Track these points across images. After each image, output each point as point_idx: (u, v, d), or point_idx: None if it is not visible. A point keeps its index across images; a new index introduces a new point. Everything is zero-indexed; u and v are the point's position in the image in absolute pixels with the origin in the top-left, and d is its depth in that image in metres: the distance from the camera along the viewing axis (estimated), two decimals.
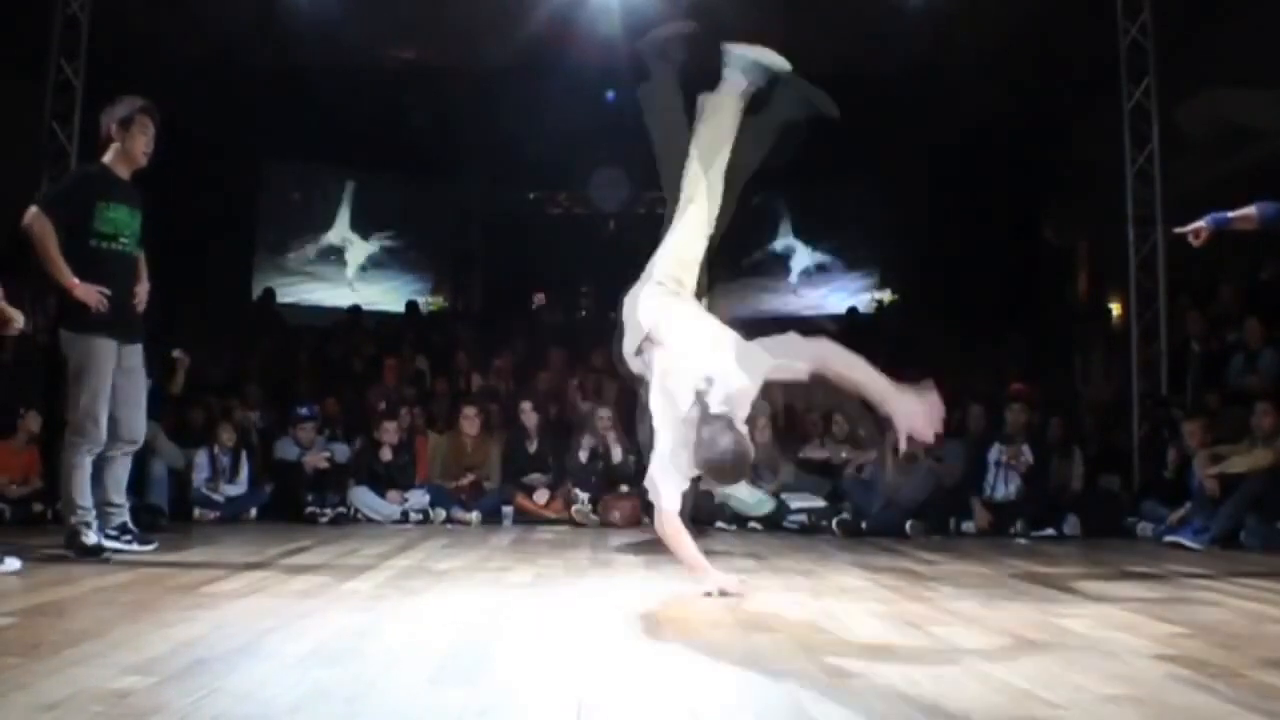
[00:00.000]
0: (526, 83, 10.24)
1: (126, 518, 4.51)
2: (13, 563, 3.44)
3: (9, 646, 2.27)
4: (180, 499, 6.63)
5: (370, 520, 6.88)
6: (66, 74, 7.57)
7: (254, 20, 9.14)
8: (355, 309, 11.26)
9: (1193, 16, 8.16)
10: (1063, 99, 10.19)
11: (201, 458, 6.86)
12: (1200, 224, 4.30)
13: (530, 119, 10.41)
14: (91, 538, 4.20)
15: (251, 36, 9.46)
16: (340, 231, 13.21)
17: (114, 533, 4.41)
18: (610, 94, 11.28)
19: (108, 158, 4.40)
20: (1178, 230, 4.46)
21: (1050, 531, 6.61)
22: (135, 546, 4.43)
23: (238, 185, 11.47)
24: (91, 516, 4.26)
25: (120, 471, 4.48)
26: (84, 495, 4.24)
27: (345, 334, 10.36)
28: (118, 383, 4.32)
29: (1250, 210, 4.20)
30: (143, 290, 4.47)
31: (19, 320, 3.83)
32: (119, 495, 4.48)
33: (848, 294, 13.20)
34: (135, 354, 4.43)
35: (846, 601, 3.32)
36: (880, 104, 10.74)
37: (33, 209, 4.22)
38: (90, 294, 4.17)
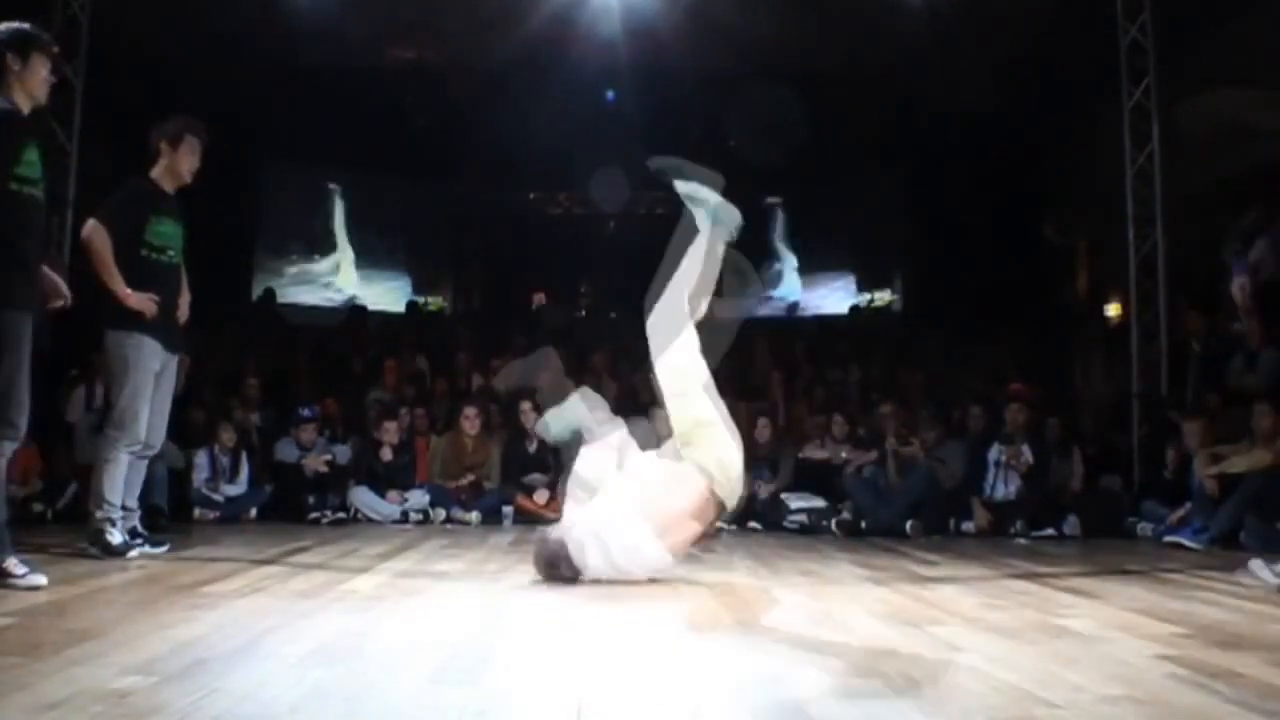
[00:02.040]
0: (526, 83, 10.24)
1: (136, 522, 4.54)
2: (38, 578, 3.40)
3: (9, 646, 2.27)
4: (180, 499, 6.63)
5: (370, 520, 6.88)
6: (66, 74, 7.56)
7: (254, 20, 9.13)
8: (357, 309, 11.26)
9: (1193, 16, 8.16)
10: (1063, 99, 10.19)
11: (201, 458, 6.86)
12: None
13: (530, 119, 10.41)
14: (116, 537, 4.24)
15: (252, 37, 9.46)
16: (340, 235, 13.22)
17: (124, 537, 4.42)
18: (610, 94, 11.29)
19: (155, 172, 4.49)
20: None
21: (1050, 531, 6.61)
22: (147, 549, 4.46)
23: (238, 185, 11.47)
24: (118, 514, 4.30)
25: (135, 476, 4.52)
26: (115, 491, 4.29)
27: (345, 334, 10.36)
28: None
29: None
30: (184, 302, 4.59)
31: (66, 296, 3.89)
32: (131, 499, 4.51)
33: (847, 295, 13.21)
34: (172, 363, 4.51)
35: (846, 601, 3.32)
36: (880, 103, 10.78)
37: (91, 221, 4.34)
38: (144, 302, 4.29)
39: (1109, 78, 8.28)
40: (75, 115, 7.61)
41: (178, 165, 4.46)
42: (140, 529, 4.56)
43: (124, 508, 4.46)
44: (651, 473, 3.72)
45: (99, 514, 4.24)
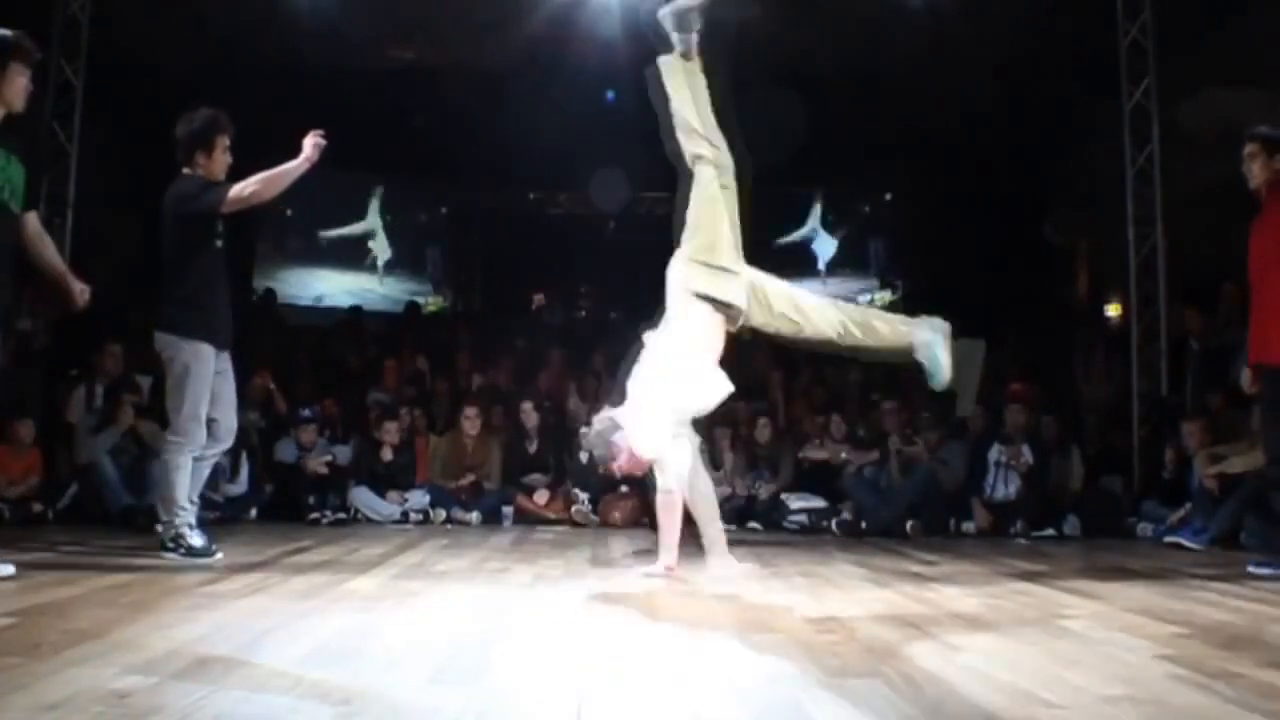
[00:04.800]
0: (526, 83, 10.23)
1: (191, 519, 4.53)
2: (6, 568, 3.45)
3: (9, 646, 2.27)
4: None
5: (370, 520, 6.88)
6: (66, 74, 7.57)
7: (254, 20, 9.13)
8: (355, 309, 11.25)
9: (1193, 16, 8.16)
10: (1063, 99, 10.19)
11: None
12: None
13: (530, 119, 10.41)
14: (199, 539, 4.26)
15: (252, 37, 9.46)
16: (369, 223, 13.30)
17: (206, 539, 4.44)
18: (610, 94, 11.28)
19: (187, 171, 4.45)
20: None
21: (1050, 531, 6.61)
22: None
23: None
24: (193, 517, 4.33)
25: (200, 475, 4.50)
26: (185, 495, 4.31)
27: (345, 334, 10.35)
28: (214, 386, 4.39)
29: None
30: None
31: (83, 293, 3.95)
32: (194, 494, 4.50)
33: (849, 294, 13.22)
34: (226, 359, 4.50)
35: (846, 601, 3.32)
36: (879, 104, 10.77)
37: (227, 193, 4.29)
38: (311, 144, 4.31)
39: (1109, 78, 8.28)
40: (75, 115, 7.61)
41: (213, 169, 4.46)
42: (193, 524, 4.56)
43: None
44: None
45: (177, 520, 4.25)
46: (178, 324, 4.33)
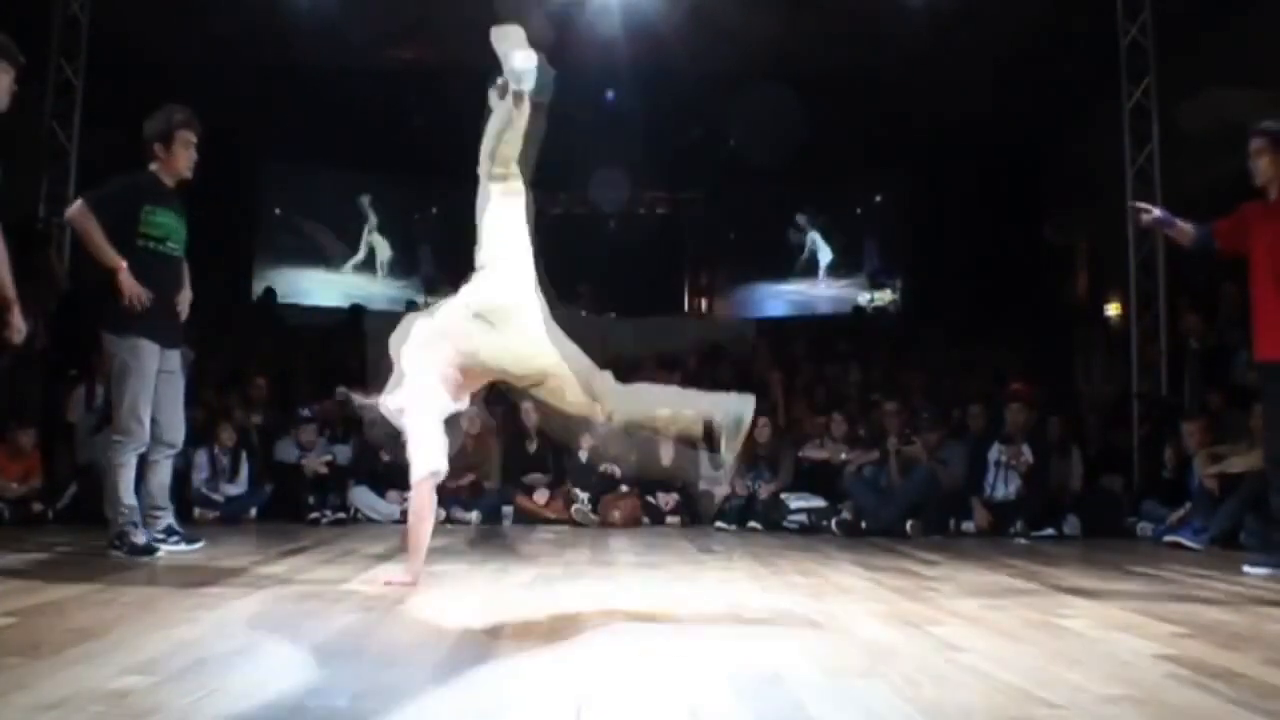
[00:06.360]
0: None
1: (171, 520, 4.55)
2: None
3: (9, 646, 2.26)
4: (180, 499, 6.62)
5: (370, 520, 6.88)
6: (66, 74, 7.59)
7: (254, 20, 9.13)
8: (355, 309, 11.26)
9: (1193, 16, 8.16)
10: (1063, 99, 10.19)
11: (201, 458, 6.85)
12: (1156, 212, 4.59)
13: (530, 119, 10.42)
14: (141, 537, 4.26)
15: (251, 37, 9.46)
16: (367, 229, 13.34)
17: (160, 536, 4.45)
18: (610, 94, 11.29)
19: (154, 167, 4.44)
20: (1138, 205, 4.91)
21: (1050, 531, 6.61)
22: (183, 547, 4.49)
23: (237, 185, 11.46)
24: (137, 515, 4.31)
25: (164, 475, 4.52)
26: (129, 494, 4.29)
27: (345, 334, 10.35)
28: (158, 386, 4.37)
29: (1189, 227, 4.48)
30: (185, 297, 4.54)
31: (20, 333, 3.94)
32: (163, 499, 4.52)
33: (849, 294, 13.23)
34: (175, 358, 4.48)
35: (846, 601, 3.32)
36: (880, 103, 10.78)
37: (77, 203, 4.33)
38: (134, 287, 4.23)
39: (1109, 78, 8.29)
40: (75, 115, 7.62)
41: (174, 163, 4.42)
42: (176, 527, 4.57)
43: (158, 507, 4.48)
44: None
45: (120, 518, 4.24)
46: (113, 321, 4.31)
